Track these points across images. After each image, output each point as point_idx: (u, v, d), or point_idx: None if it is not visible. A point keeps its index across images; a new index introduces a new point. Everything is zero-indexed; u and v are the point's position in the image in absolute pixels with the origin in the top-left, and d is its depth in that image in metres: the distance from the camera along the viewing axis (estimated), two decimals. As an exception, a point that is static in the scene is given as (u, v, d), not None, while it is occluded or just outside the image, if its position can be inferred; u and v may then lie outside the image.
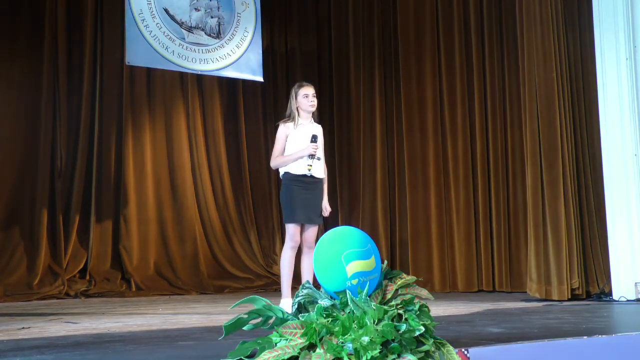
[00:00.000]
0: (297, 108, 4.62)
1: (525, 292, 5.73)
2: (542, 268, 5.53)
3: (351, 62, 8.32)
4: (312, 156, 4.49)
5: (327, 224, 8.30)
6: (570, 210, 5.49)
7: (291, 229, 4.51)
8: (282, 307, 4.24)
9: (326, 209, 4.66)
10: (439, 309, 4.54)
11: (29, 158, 7.27)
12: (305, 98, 4.59)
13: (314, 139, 4.51)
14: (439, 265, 7.08)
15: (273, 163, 4.64)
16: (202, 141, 8.39)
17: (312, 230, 4.58)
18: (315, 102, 4.62)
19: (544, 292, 5.48)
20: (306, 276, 4.50)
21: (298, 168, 4.54)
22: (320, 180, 4.62)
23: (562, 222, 5.45)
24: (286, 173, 4.58)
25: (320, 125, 4.71)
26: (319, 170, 4.60)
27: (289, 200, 4.53)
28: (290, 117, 4.63)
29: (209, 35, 7.25)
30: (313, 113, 4.66)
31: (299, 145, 4.54)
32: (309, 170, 4.50)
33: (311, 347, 2.11)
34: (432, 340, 2.16)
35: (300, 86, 4.65)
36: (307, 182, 4.54)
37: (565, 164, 5.54)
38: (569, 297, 5.34)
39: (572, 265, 5.43)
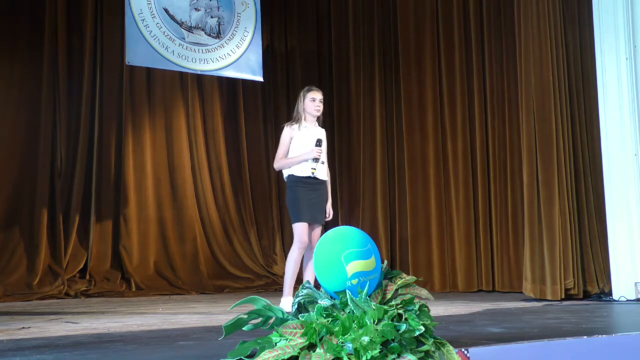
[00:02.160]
0: (303, 110, 4.68)
1: (522, 291, 5.73)
2: (537, 268, 5.54)
3: (351, 62, 8.32)
4: (316, 160, 4.54)
5: (327, 224, 8.31)
6: (566, 210, 5.49)
7: (299, 229, 4.53)
8: (282, 305, 4.28)
9: (329, 213, 4.69)
10: (439, 309, 4.54)
11: (29, 158, 7.27)
12: (312, 102, 4.67)
13: (318, 143, 4.57)
14: (439, 265, 7.08)
15: (277, 165, 4.70)
16: (202, 141, 8.39)
17: (317, 231, 4.63)
18: (321, 107, 4.70)
19: (538, 291, 5.48)
20: (308, 276, 4.52)
21: (302, 170, 4.60)
22: (323, 182, 4.69)
23: (557, 222, 5.45)
24: (290, 175, 4.63)
25: (323, 129, 4.77)
26: (323, 172, 4.66)
27: (295, 201, 4.58)
28: (295, 119, 4.70)
29: (209, 35, 7.25)
30: (318, 117, 4.73)
31: (303, 147, 4.60)
32: (313, 173, 4.56)
33: (311, 347, 2.11)
34: (432, 340, 2.17)
35: (309, 90, 4.73)
36: (311, 182, 4.60)
37: (561, 164, 5.54)
38: (563, 297, 5.34)
39: (567, 265, 5.43)
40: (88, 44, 7.65)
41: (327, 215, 4.70)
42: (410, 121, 7.46)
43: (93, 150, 7.60)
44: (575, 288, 5.43)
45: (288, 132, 4.67)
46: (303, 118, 4.68)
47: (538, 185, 5.61)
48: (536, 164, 5.64)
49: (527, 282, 5.60)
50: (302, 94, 4.74)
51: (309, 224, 4.58)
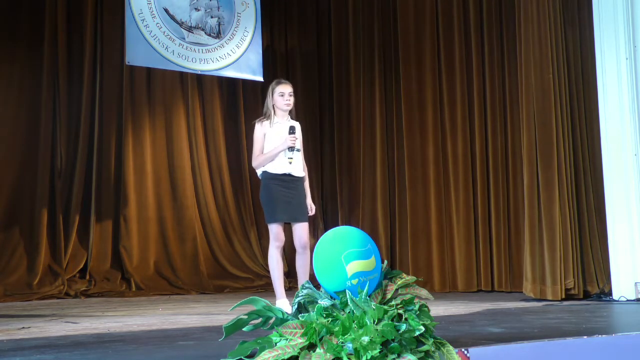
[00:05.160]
0: (273, 105, 4.57)
1: (523, 291, 5.73)
2: (537, 268, 5.53)
3: (351, 62, 8.31)
4: (291, 149, 4.43)
5: (327, 224, 8.32)
6: (567, 210, 5.49)
7: (274, 229, 4.46)
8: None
9: (311, 208, 4.61)
10: (439, 309, 4.54)
11: (29, 158, 7.27)
12: (281, 97, 4.54)
13: (291, 130, 4.45)
14: (439, 265, 7.08)
15: (255, 163, 4.56)
16: (202, 141, 8.39)
17: (302, 229, 4.51)
18: (290, 101, 4.55)
19: (538, 291, 5.48)
20: (302, 277, 4.46)
21: (276, 167, 4.48)
22: (300, 179, 4.56)
23: (557, 222, 5.45)
24: (264, 172, 4.51)
25: (297, 122, 4.61)
26: (298, 168, 4.54)
27: (269, 199, 4.47)
28: (266, 115, 4.57)
29: (209, 35, 7.25)
30: (290, 110, 4.60)
31: (277, 143, 4.48)
32: (290, 162, 4.44)
33: (311, 347, 2.11)
34: (432, 340, 2.17)
35: (278, 83, 4.59)
36: (286, 180, 4.48)
37: (561, 164, 5.54)
38: (563, 297, 5.34)
39: (567, 265, 5.43)
40: (88, 44, 7.65)
41: (310, 211, 4.60)
42: (410, 121, 7.46)
43: (93, 150, 7.60)
44: (575, 288, 5.43)
45: (260, 128, 4.53)
46: (273, 113, 4.55)
47: (538, 185, 5.61)
48: (536, 164, 5.64)
49: (527, 282, 5.60)
50: (270, 88, 4.59)
51: (292, 224, 4.53)
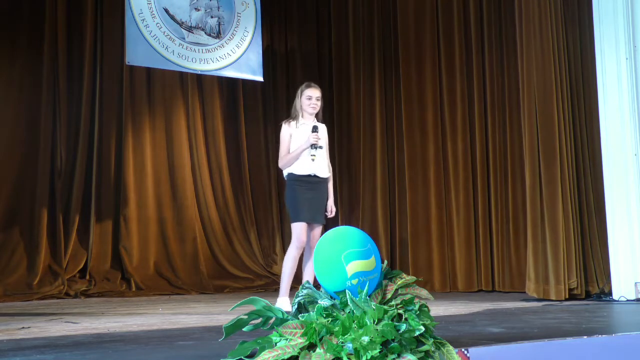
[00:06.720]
0: (300, 108, 4.64)
1: (525, 291, 5.73)
2: (540, 268, 5.53)
3: (351, 62, 8.32)
4: (314, 146, 4.49)
5: (327, 224, 8.31)
6: (569, 210, 5.49)
7: (297, 229, 4.51)
8: (279, 305, 4.26)
9: (332, 209, 4.66)
10: (439, 309, 4.54)
11: (29, 158, 7.27)
12: (308, 100, 4.61)
13: (314, 129, 4.52)
14: (439, 265, 7.08)
15: (281, 163, 4.64)
16: (202, 141, 8.39)
17: (317, 230, 4.59)
18: (317, 105, 4.63)
19: (541, 291, 5.48)
20: (307, 276, 4.49)
21: (301, 167, 4.55)
22: (324, 180, 4.63)
23: (560, 222, 5.45)
24: (290, 174, 4.58)
25: (323, 125, 4.71)
26: (323, 168, 4.60)
27: (294, 200, 4.53)
28: (293, 116, 4.66)
29: (209, 35, 7.25)
30: (317, 114, 4.68)
31: (302, 143, 4.56)
32: (313, 159, 4.49)
33: (311, 347, 2.11)
34: (432, 340, 2.17)
35: (307, 87, 4.66)
36: (311, 181, 4.55)
37: (563, 163, 5.54)
38: (567, 297, 5.34)
39: (570, 265, 5.43)
40: (88, 44, 7.65)
41: (330, 212, 4.66)
42: (410, 121, 7.46)
43: (93, 150, 7.60)
44: (578, 288, 5.43)
45: (287, 129, 4.62)
46: (300, 115, 4.63)
47: (541, 185, 5.61)
48: (539, 164, 5.64)
49: (530, 282, 5.59)
50: (300, 90, 4.67)
51: (308, 224, 4.56)
